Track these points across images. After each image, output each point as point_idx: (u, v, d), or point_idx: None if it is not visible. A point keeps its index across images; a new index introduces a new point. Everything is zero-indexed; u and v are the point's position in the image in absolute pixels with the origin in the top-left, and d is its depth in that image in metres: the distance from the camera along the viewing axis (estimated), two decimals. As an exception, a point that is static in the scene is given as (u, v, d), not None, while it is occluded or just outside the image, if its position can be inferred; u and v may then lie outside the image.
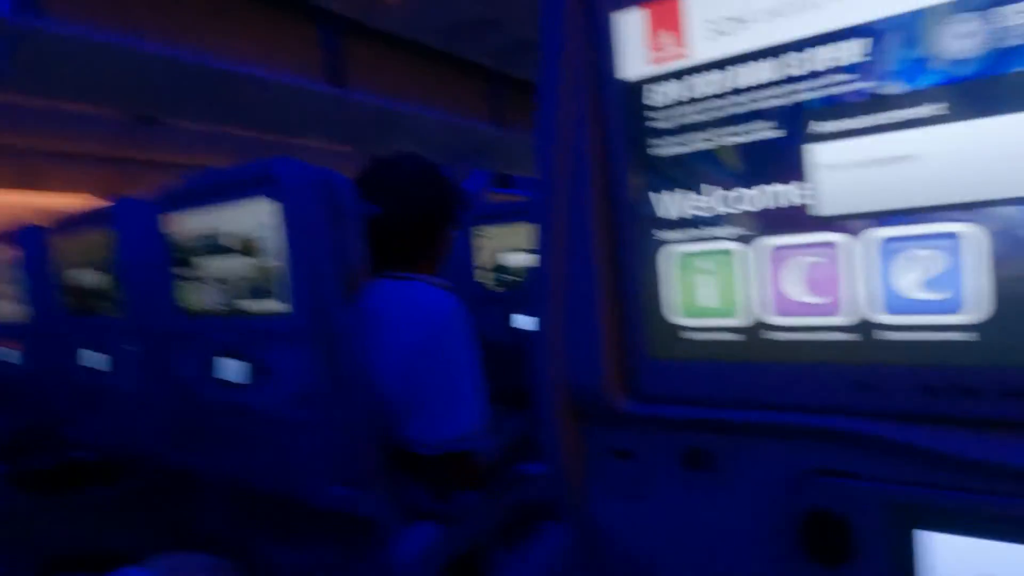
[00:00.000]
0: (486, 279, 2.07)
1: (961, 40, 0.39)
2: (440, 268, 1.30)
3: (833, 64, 0.42)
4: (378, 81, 3.98)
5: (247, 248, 1.15)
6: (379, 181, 1.23)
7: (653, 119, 0.49)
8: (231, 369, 1.21)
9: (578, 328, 0.51)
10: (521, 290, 1.97)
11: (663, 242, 0.50)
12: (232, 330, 1.20)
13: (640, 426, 0.51)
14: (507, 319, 1.95)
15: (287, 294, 1.09)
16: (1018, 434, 0.39)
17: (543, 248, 0.52)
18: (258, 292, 1.15)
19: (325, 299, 1.08)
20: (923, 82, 0.40)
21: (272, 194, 1.09)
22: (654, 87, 0.49)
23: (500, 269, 2.04)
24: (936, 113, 0.40)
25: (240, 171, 1.14)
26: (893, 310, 0.42)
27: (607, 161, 0.50)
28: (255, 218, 1.13)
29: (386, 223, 1.19)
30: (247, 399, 1.18)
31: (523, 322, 1.95)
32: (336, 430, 1.09)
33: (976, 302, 0.40)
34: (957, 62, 0.39)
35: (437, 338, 1.13)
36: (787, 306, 0.46)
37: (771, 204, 0.45)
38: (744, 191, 0.46)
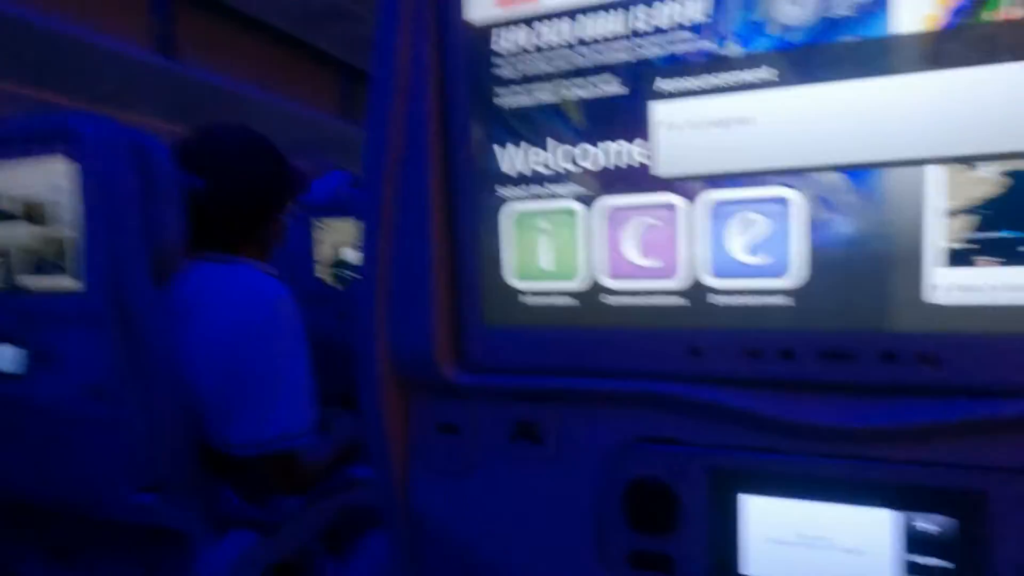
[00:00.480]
0: (326, 274, 1.96)
1: (794, 7, 0.40)
2: (268, 254, 1.20)
3: (676, 21, 0.42)
4: (216, 58, 3.70)
5: (33, 214, 0.99)
6: (203, 151, 1.11)
7: (498, 66, 0.46)
8: (5, 356, 1.03)
9: (407, 290, 0.47)
10: (363, 287, 1.90)
11: (503, 199, 0.47)
12: (9, 310, 1.02)
13: (469, 398, 0.48)
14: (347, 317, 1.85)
15: (82, 271, 0.95)
16: (832, 395, 0.40)
17: (371, 199, 0.47)
18: (45, 267, 1.00)
19: (127, 278, 0.96)
20: (758, 46, 0.41)
21: (70, 153, 0.94)
22: (501, 32, 0.46)
23: (342, 264, 1.95)
24: (769, 78, 0.41)
25: (30, 124, 0.97)
26: (722, 273, 0.43)
27: (447, 109, 0.47)
28: (46, 180, 0.98)
29: (210, 199, 1.07)
30: (26, 391, 1.01)
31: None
32: (136, 428, 0.96)
33: (795, 267, 0.41)
34: (790, 28, 0.40)
35: (259, 328, 1.03)
36: (624, 269, 0.45)
37: (612, 163, 0.44)
38: (587, 148, 0.45)
